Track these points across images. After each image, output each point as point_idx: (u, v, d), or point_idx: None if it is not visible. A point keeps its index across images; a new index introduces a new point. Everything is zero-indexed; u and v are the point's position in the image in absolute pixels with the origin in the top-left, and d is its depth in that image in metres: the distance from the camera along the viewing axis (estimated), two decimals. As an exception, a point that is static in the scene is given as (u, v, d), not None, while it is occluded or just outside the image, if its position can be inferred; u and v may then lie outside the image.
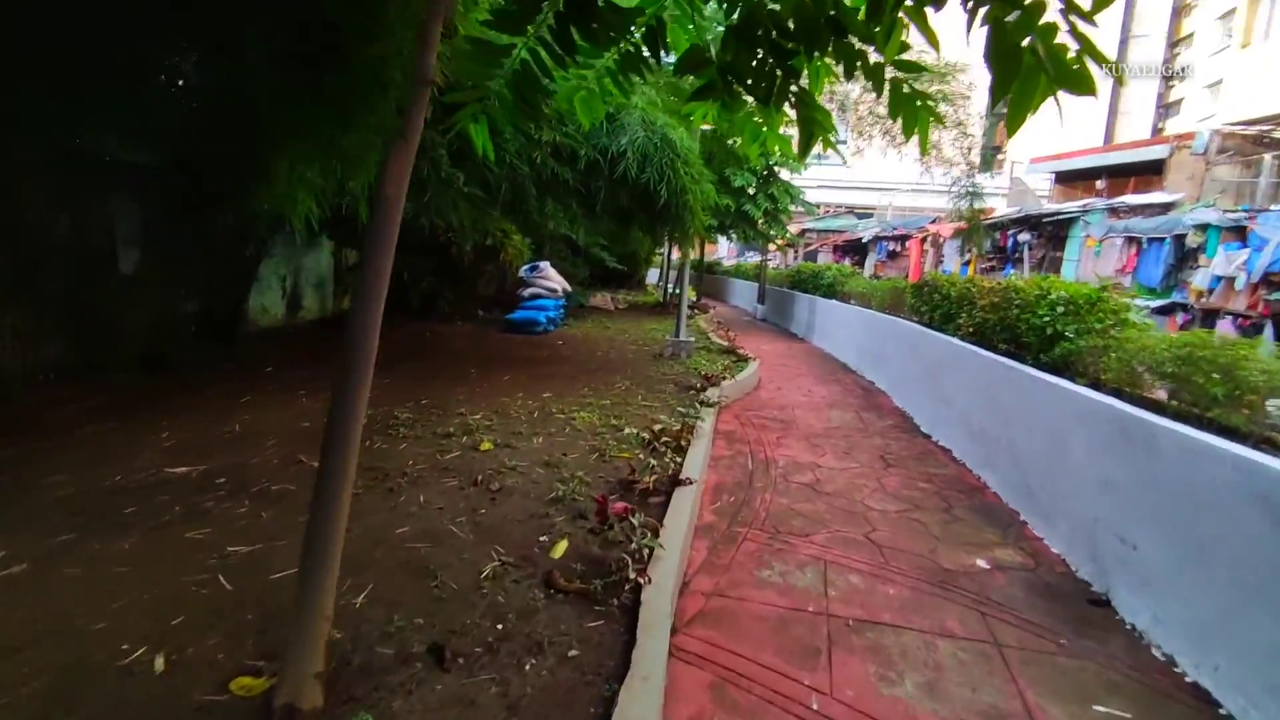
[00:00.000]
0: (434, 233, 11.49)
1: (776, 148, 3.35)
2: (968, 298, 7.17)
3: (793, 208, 18.09)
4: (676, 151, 6.88)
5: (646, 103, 7.11)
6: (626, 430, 5.61)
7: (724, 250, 49.43)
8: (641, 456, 4.75)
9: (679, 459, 4.88)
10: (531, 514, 3.76)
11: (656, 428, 5.52)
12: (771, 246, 27.36)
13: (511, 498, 3.98)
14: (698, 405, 6.57)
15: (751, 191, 15.67)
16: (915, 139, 2.34)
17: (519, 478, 4.30)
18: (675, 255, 25.05)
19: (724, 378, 7.88)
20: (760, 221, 16.48)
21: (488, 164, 6.06)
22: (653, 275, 32.11)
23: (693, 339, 10.02)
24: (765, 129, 3.65)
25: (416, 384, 6.85)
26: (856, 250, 31.00)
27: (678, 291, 22.45)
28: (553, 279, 12.46)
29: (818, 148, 2.79)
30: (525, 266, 12.34)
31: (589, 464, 4.70)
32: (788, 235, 17.23)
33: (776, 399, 8.39)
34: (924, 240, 23.87)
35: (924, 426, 7.23)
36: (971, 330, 6.74)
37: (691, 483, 4.24)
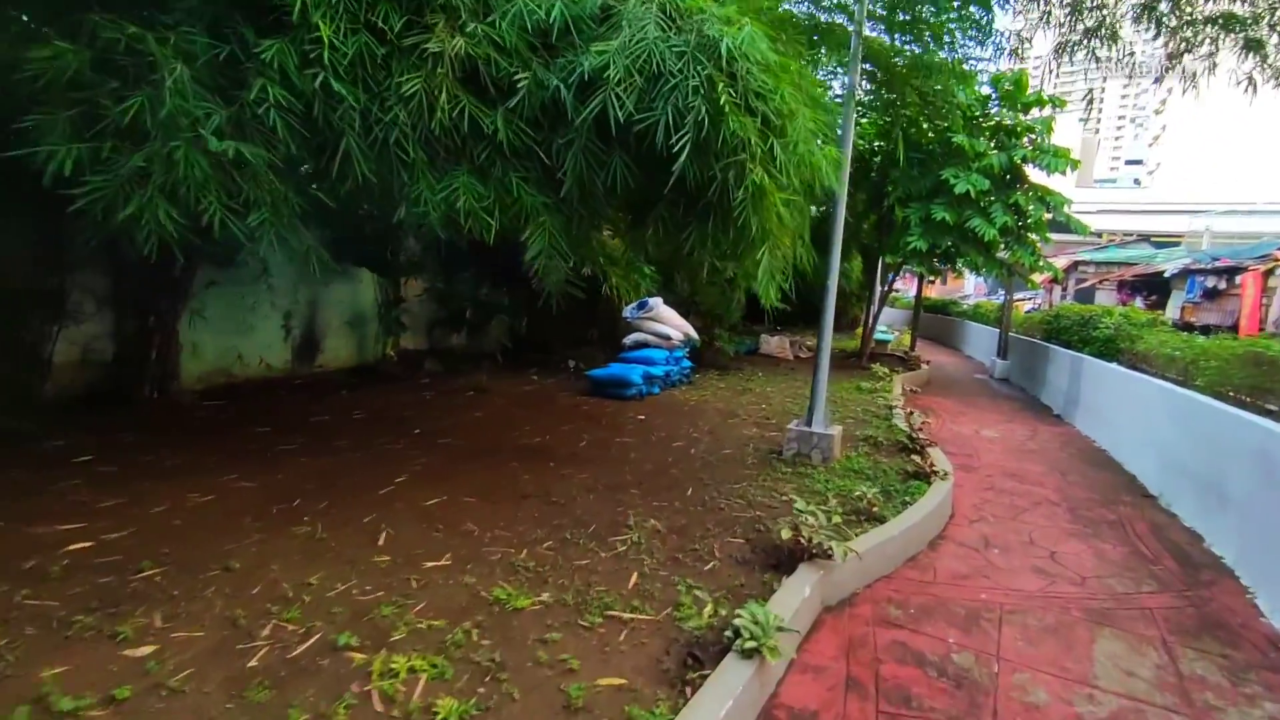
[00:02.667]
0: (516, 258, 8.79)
1: None
2: None
3: (1052, 229, 12.72)
4: (724, 66, 3.18)
5: (686, -16, 3.50)
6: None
7: (970, 286, 41.90)
8: None
9: None
10: None
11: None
12: (1038, 279, 20.88)
13: None
14: (736, 638, 2.74)
15: (984, 203, 10.85)
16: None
17: None
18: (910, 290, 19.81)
19: (857, 531, 3.85)
20: (999, 245, 11.50)
21: (280, 94, 2.93)
22: (887, 315, 26.95)
23: (835, 431, 5.92)
24: None
25: (236, 516, 3.88)
26: (1153, 288, 23.33)
27: (880, 338, 17.57)
28: (667, 322, 9.07)
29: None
30: (631, 306, 9.13)
31: None
32: (1042, 264, 11.90)
33: (972, 579, 4.10)
34: (1268, 274, 16.41)
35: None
36: None
37: None
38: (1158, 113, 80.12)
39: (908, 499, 4.93)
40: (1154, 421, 6.78)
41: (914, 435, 6.53)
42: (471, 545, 3.63)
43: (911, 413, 7.05)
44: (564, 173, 3.40)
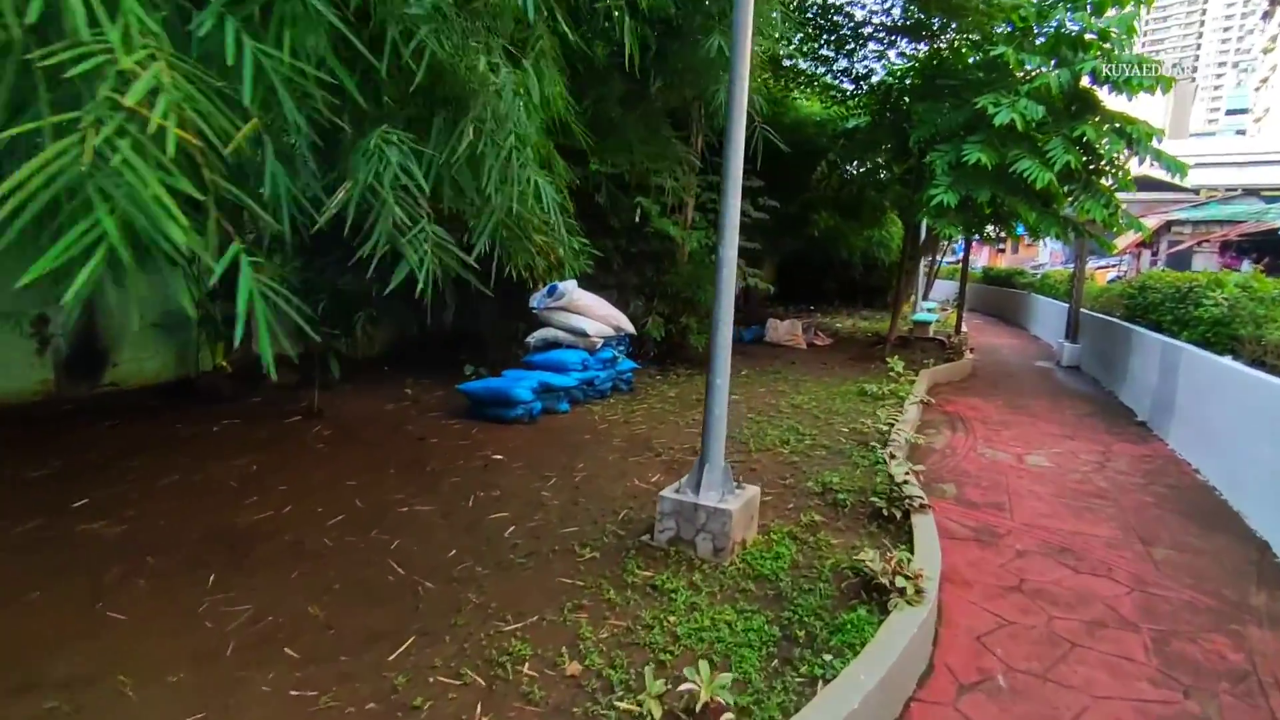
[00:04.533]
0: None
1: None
2: None
3: (1137, 168, 9.68)
4: None
5: None
6: None
7: (1045, 254, 37.62)
8: None
9: None
10: None
11: None
12: (1120, 243, 17.23)
13: None
14: None
15: (1038, 140, 8.00)
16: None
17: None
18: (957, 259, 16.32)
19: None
20: (1061, 196, 8.62)
21: None
22: (940, 289, 23.69)
23: (735, 504, 3.49)
24: None
25: None
26: (1264, 249, 19.60)
27: (920, 318, 14.60)
28: (585, 313, 6.74)
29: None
30: (538, 293, 6.84)
31: None
32: (1123, 220, 8.80)
33: None
34: None
35: None
36: None
37: None
38: (1266, 51, 71.11)
39: (825, 663, 2.54)
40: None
41: (897, 490, 4.07)
42: None
43: (893, 455, 4.55)
44: None
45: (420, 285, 2.00)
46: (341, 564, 3.29)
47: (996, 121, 7.62)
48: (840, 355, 11.03)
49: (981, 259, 41.40)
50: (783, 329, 12.32)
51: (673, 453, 5.21)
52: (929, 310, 15.75)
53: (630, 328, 7.14)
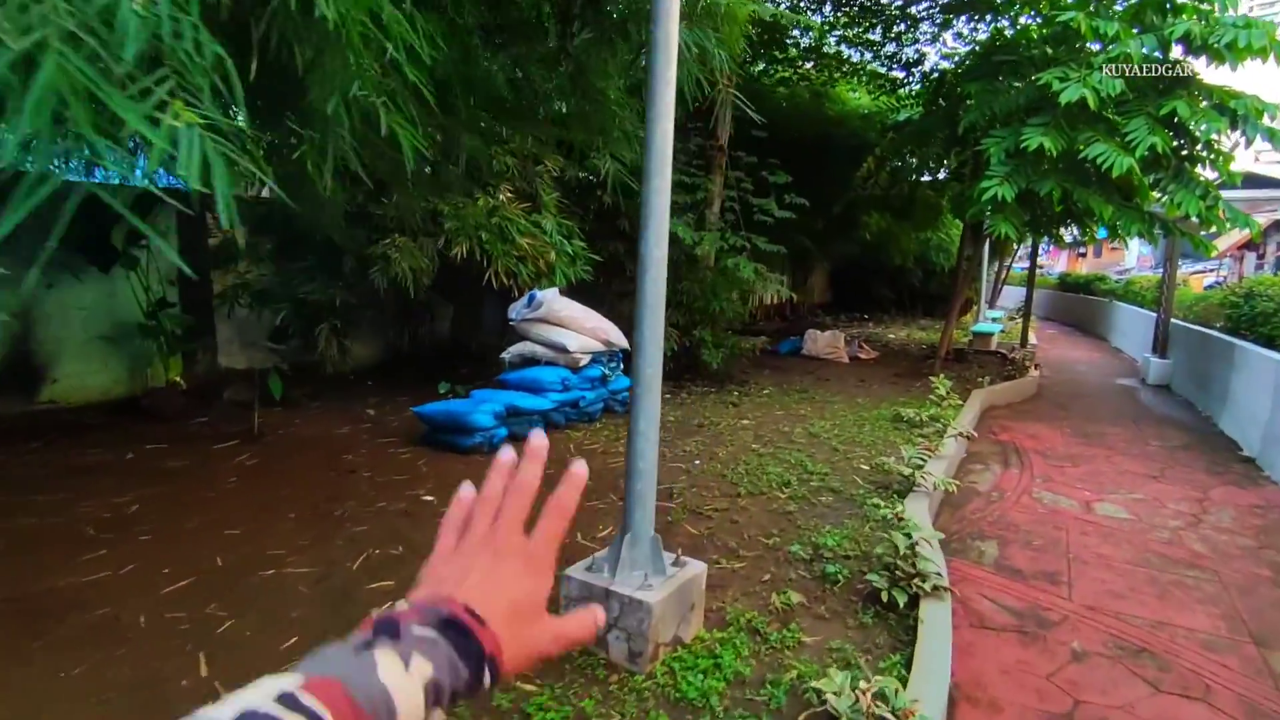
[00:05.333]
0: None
1: None
2: None
3: (1243, 154, 8.19)
4: None
5: None
6: None
7: (1132, 257, 34.69)
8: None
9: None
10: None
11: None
12: (1221, 244, 15.18)
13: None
14: None
15: (1119, 123, 6.70)
16: None
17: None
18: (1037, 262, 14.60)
19: None
20: (1146, 188, 7.29)
21: None
22: (1010, 296, 21.93)
23: (659, 592, 2.55)
24: None
25: None
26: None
27: (982, 329, 13.14)
28: (567, 326, 5.89)
29: None
30: (517, 303, 6.04)
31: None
32: (1224, 215, 7.24)
33: None
34: None
35: None
36: None
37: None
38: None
39: None
40: None
41: (906, 564, 3.05)
42: None
43: (900, 517, 3.50)
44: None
45: None
46: (143, 654, 2.53)
47: (1063, 99, 6.40)
48: (885, 371, 9.85)
49: (1060, 263, 38.51)
50: (823, 341, 11.19)
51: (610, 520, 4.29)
52: (993, 320, 14.25)
53: (623, 342, 6.25)
